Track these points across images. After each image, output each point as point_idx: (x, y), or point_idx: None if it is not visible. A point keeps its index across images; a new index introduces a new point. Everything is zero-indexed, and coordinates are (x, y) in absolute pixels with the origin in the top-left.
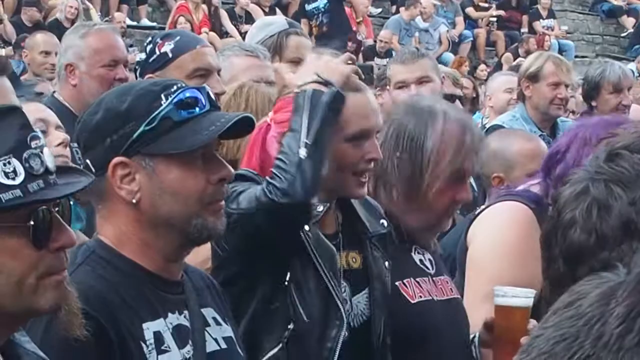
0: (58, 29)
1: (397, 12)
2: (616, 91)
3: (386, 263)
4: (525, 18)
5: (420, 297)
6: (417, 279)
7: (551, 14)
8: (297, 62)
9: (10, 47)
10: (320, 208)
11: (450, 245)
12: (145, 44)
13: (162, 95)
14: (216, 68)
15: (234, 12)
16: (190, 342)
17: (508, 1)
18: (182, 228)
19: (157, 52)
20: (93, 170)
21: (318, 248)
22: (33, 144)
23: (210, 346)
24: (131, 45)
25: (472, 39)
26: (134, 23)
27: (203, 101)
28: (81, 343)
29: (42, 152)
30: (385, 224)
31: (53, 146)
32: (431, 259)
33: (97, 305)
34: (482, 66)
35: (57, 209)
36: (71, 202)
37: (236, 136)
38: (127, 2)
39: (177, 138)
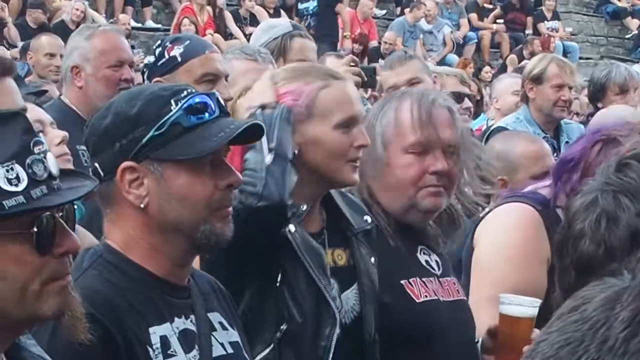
0: (63, 31)
1: (402, 13)
2: (622, 92)
3: (372, 259)
4: (529, 20)
5: (426, 296)
6: (423, 279)
7: (555, 16)
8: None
9: (17, 50)
10: (304, 207)
11: (459, 249)
12: (154, 47)
13: (172, 101)
14: (224, 74)
15: (239, 14)
16: (196, 346)
17: (512, 3)
18: (189, 233)
19: (166, 56)
20: (102, 174)
21: (305, 248)
22: (36, 150)
23: (217, 351)
24: (132, 47)
25: (476, 40)
26: (139, 25)
27: (213, 107)
28: (87, 347)
29: (45, 157)
30: (369, 219)
31: (54, 145)
32: (437, 260)
33: (104, 310)
34: (487, 68)
35: (60, 214)
36: (75, 206)
37: (245, 142)
38: (131, 4)
39: (186, 144)
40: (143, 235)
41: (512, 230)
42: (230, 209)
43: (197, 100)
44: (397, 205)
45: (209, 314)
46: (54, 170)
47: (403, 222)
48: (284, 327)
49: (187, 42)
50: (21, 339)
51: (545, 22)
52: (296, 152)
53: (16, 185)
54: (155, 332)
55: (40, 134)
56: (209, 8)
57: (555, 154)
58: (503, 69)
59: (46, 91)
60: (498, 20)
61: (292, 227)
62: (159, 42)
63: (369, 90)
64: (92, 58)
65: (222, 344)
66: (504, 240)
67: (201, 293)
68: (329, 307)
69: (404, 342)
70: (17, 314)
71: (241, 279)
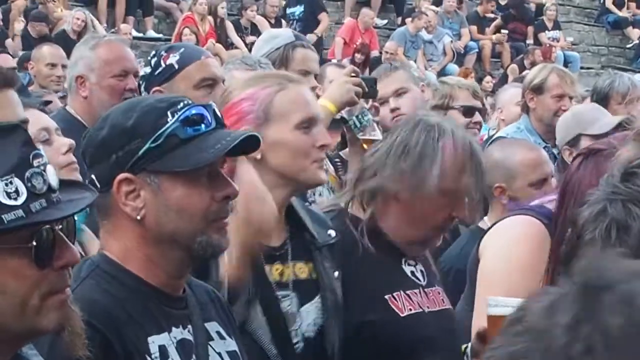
0: (64, 41)
1: (403, 23)
2: (625, 102)
3: (335, 273)
4: (530, 29)
5: (410, 310)
6: (407, 292)
7: (557, 26)
8: (303, 74)
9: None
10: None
11: (452, 258)
12: (149, 58)
13: (169, 112)
14: (221, 78)
15: (240, 24)
16: (194, 356)
17: (512, 13)
18: (186, 245)
19: (163, 65)
20: (98, 185)
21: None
22: (35, 162)
23: None
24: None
25: (477, 50)
26: (140, 34)
27: (209, 118)
28: (87, 357)
29: (44, 170)
30: (333, 234)
31: (60, 153)
32: (422, 269)
33: (103, 319)
34: (488, 78)
35: (60, 226)
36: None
37: (242, 153)
38: (133, 14)
39: (182, 156)
40: (140, 246)
41: (519, 243)
42: (227, 220)
43: (193, 111)
44: (409, 236)
45: (206, 324)
46: (54, 183)
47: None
48: None
49: (182, 49)
50: (23, 350)
51: (546, 31)
52: (259, 157)
53: (15, 199)
54: (154, 342)
55: (40, 147)
56: (210, 18)
57: (555, 164)
58: (504, 78)
59: (50, 102)
60: (502, 31)
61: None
62: (154, 52)
63: (370, 100)
64: (96, 68)
65: (219, 354)
66: (510, 252)
67: (198, 303)
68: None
69: (389, 355)
70: (16, 328)
71: None
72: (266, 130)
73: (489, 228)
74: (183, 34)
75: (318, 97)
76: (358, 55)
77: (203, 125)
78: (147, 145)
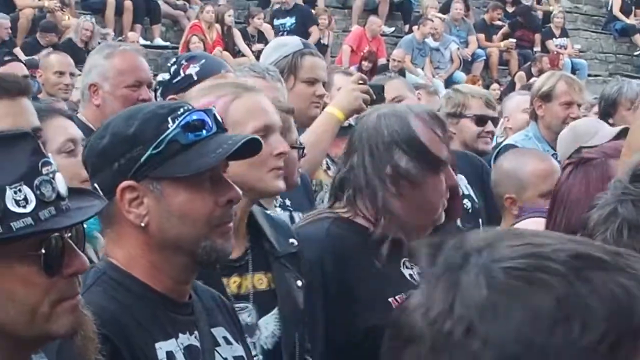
0: (72, 49)
1: (410, 31)
2: (634, 108)
3: (298, 282)
4: (538, 37)
5: None
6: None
7: (564, 33)
8: (311, 82)
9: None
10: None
11: None
12: (168, 65)
13: (169, 119)
14: None
15: (247, 32)
16: None
17: (520, 20)
18: (190, 250)
19: (182, 74)
20: (101, 194)
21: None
22: (44, 170)
23: None
24: None
25: (484, 57)
26: (147, 42)
27: (210, 123)
28: None
29: (53, 178)
30: (295, 242)
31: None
32: (419, 272)
33: (110, 326)
34: (495, 85)
35: (69, 234)
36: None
37: (243, 157)
38: (140, 22)
39: (184, 161)
40: (144, 253)
41: None
42: (231, 224)
43: (194, 117)
44: (423, 222)
45: (213, 329)
46: (63, 191)
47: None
48: None
49: (203, 60)
50: (32, 357)
51: (554, 39)
52: None
53: (24, 206)
54: (162, 348)
55: (64, 158)
56: (217, 26)
57: None
58: (511, 86)
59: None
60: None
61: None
62: (174, 59)
63: None
64: (110, 77)
65: (225, 359)
66: None
67: (204, 308)
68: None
69: None
70: (27, 334)
71: None
72: None
73: None
74: (191, 42)
75: (326, 104)
76: (365, 63)
77: (204, 131)
78: (148, 152)
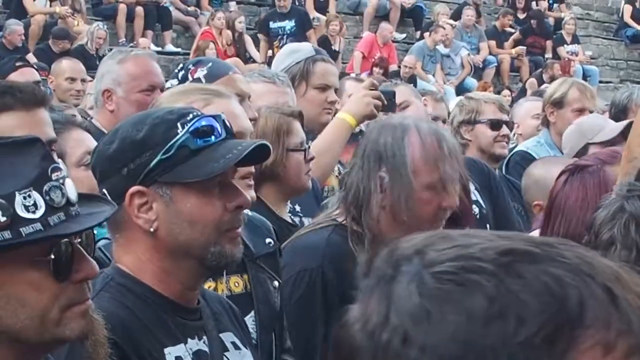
0: (83, 55)
1: (422, 37)
2: None
3: (275, 283)
4: (549, 43)
5: None
6: None
7: (575, 40)
8: (323, 88)
9: None
10: None
11: None
12: (176, 71)
13: (179, 124)
14: (247, 94)
15: (258, 38)
16: None
17: (531, 27)
18: (200, 256)
19: (190, 78)
20: (110, 200)
21: None
22: (54, 176)
23: None
24: None
25: (496, 64)
26: (159, 49)
27: (219, 129)
28: None
29: (63, 183)
30: (272, 242)
31: None
32: None
33: (119, 332)
34: (506, 91)
35: (79, 240)
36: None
37: (252, 163)
38: (151, 28)
39: (194, 166)
40: (153, 259)
41: None
42: (240, 230)
43: (203, 123)
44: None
45: (221, 334)
46: (72, 197)
47: None
48: None
49: (210, 64)
50: None
51: (565, 45)
52: None
53: (33, 212)
54: (170, 353)
55: (60, 161)
56: (228, 32)
57: None
58: (522, 92)
59: (74, 116)
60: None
61: None
62: (181, 65)
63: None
64: (123, 82)
65: None
66: None
67: (212, 313)
68: None
69: None
70: (37, 339)
71: None
72: None
73: None
74: (209, 47)
75: (337, 111)
76: (377, 70)
77: (213, 137)
78: (158, 157)
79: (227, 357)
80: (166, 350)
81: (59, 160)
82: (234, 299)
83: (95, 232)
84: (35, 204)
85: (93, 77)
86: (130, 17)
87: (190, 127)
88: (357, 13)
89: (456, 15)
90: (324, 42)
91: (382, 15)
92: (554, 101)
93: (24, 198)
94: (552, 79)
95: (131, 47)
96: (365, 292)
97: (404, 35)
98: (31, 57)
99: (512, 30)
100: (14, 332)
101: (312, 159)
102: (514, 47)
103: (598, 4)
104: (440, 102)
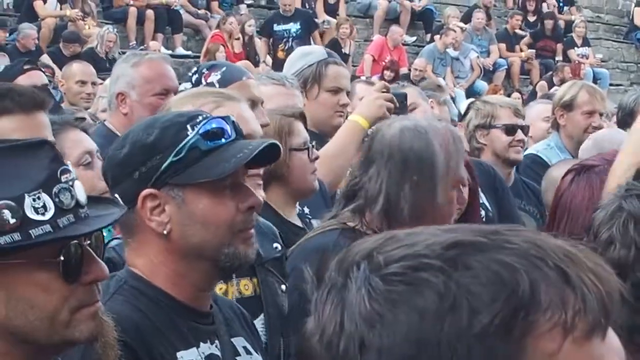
0: (93, 58)
1: (432, 40)
2: None
3: (282, 287)
4: (559, 46)
5: None
6: None
7: (586, 42)
8: (335, 91)
9: None
10: None
11: None
12: (190, 74)
13: (188, 126)
14: (260, 99)
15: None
16: None
17: (542, 30)
18: (213, 257)
19: (204, 82)
20: (122, 203)
21: None
22: (63, 178)
23: None
24: None
25: (506, 67)
26: (169, 52)
27: (229, 131)
28: None
29: (72, 185)
30: (279, 247)
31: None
32: None
33: (132, 335)
34: (516, 94)
35: (88, 242)
36: (104, 233)
37: (263, 164)
38: (162, 31)
39: (205, 167)
40: (166, 261)
41: None
42: (252, 230)
43: (213, 125)
44: None
45: (233, 339)
46: (82, 199)
47: None
48: None
49: (224, 68)
50: None
51: (576, 48)
52: None
53: (43, 214)
54: (183, 357)
55: (69, 163)
56: (239, 34)
57: None
58: (533, 95)
59: (84, 118)
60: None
61: None
62: (195, 69)
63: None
64: (137, 85)
65: None
66: None
67: (224, 318)
68: None
69: None
70: (46, 340)
71: None
72: None
73: None
74: (219, 50)
75: (348, 114)
76: (387, 72)
77: (223, 139)
78: (169, 159)
79: None
80: (179, 354)
81: (68, 163)
82: (244, 301)
83: (104, 234)
84: (44, 206)
85: (103, 80)
86: (140, 20)
87: (200, 128)
88: (368, 16)
89: (466, 18)
90: (334, 45)
91: (392, 18)
92: (563, 104)
93: (34, 200)
94: (563, 81)
95: (141, 49)
96: (319, 303)
97: (414, 38)
98: (46, 59)
99: (523, 33)
100: (23, 334)
101: (316, 158)
102: (526, 50)
103: (608, 7)
104: (444, 106)
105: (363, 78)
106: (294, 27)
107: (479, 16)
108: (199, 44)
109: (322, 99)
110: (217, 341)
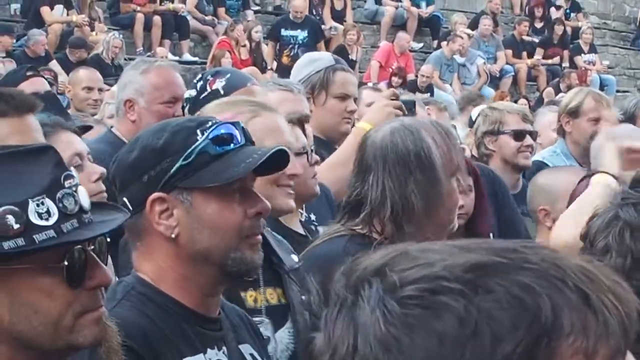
0: (99, 64)
1: (439, 47)
2: None
3: (302, 297)
4: (566, 53)
5: None
6: None
7: (592, 49)
8: (343, 97)
9: None
10: None
11: None
12: (195, 81)
13: (198, 131)
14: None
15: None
16: None
17: (550, 38)
18: (220, 262)
19: (209, 89)
20: (130, 208)
21: None
22: (67, 184)
23: None
24: None
25: (513, 73)
26: (176, 58)
27: (238, 137)
28: None
29: (76, 191)
30: (296, 258)
31: (91, 182)
32: None
33: (140, 340)
34: (523, 101)
35: (92, 247)
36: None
37: (272, 170)
38: (169, 37)
39: (214, 171)
40: (174, 265)
41: None
42: (260, 237)
43: (222, 130)
44: (444, 223)
45: (240, 346)
46: (85, 204)
47: None
48: None
49: (229, 75)
50: None
51: (582, 55)
52: None
53: (47, 219)
54: None
55: (72, 168)
56: (245, 41)
57: None
58: (540, 102)
59: (91, 127)
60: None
61: None
62: (200, 76)
63: None
64: (145, 93)
65: None
66: None
67: (232, 325)
68: None
69: None
70: (50, 346)
71: None
72: None
73: None
74: (225, 56)
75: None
76: (395, 79)
77: (232, 144)
78: (178, 163)
79: None
80: None
81: (72, 168)
82: (271, 309)
83: (108, 239)
84: (48, 211)
85: (109, 86)
86: (147, 26)
87: (209, 133)
88: (375, 22)
89: (473, 25)
90: (341, 52)
91: (399, 24)
92: (569, 111)
93: (37, 205)
94: (569, 88)
95: (148, 55)
96: (329, 320)
97: (421, 45)
98: (54, 65)
99: (530, 39)
100: (27, 339)
101: (316, 162)
102: (532, 57)
103: (615, 14)
104: (444, 112)
105: (370, 84)
106: (301, 34)
107: (486, 23)
108: (206, 50)
109: (329, 106)
110: (224, 347)
